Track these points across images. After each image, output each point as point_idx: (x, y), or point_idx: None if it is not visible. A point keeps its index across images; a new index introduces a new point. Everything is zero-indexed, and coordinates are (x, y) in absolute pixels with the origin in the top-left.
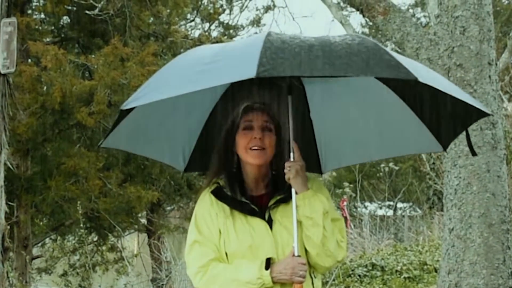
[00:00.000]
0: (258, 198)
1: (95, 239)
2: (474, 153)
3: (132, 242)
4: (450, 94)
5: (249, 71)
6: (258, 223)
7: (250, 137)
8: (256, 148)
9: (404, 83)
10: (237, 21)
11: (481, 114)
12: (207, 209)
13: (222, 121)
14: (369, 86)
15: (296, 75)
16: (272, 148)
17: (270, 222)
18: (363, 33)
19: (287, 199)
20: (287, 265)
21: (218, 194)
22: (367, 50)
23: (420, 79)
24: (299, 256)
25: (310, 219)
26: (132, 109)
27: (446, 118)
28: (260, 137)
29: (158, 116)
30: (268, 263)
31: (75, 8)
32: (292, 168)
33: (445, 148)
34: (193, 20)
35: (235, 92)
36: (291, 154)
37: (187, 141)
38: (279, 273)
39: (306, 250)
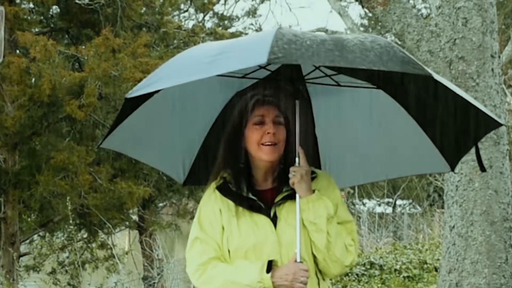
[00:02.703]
0: (265, 193)
1: (85, 236)
2: (483, 169)
3: (123, 239)
4: (465, 98)
5: (259, 58)
6: (262, 220)
7: (263, 132)
8: (269, 143)
9: (414, 97)
10: (232, 11)
11: (491, 126)
12: (211, 205)
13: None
14: (377, 101)
15: (309, 65)
16: (284, 142)
17: (275, 219)
18: (362, 24)
19: (294, 195)
20: (288, 271)
21: (224, 189)
22: (380, 47)
23: (434, 76)
24: (301, 262)
25: (313, 224)
26: (133, 109)
27: (456, 134)
28: (274, 132)
29: (160, 121)
30: (270, 266)
31: None
32: (297, 173)
33: (452, 168)
34: (186, 11)
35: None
36: (297, 159)
37: (188, 151)
38: (279, 278)
39: (312, 254)
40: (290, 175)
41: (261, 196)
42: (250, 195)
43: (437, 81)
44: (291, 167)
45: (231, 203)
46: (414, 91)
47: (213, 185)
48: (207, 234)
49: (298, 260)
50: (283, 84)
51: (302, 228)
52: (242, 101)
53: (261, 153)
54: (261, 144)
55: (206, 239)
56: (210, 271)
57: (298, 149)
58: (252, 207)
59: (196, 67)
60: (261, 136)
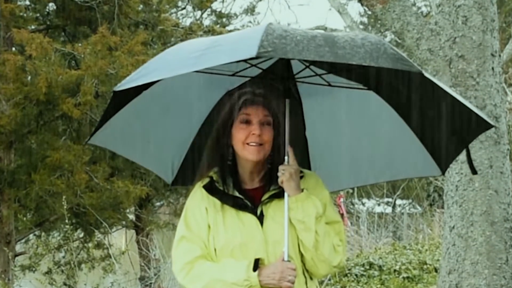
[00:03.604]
0: (252, 191)
1: (81, 235)
2: (474, 172)
3: (119, 239)
4: (454, 96)
5: (249, 51)
6: (248, 219)
7: (248, 132)
8: (254, 144)
9: (406, 99)
10: (230, 9)
11: (483, 127)
12: (197, 204)
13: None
14: (368, 103)
15: (299, 58)
16: (270, 142)
17: (262, 217)
18: (361, 22)
19: (281, 194)
20: (275, 269)
21: (210, 188)
22: (371, 44)
23: (425, 74)
24: (288, 261)
25: (302, 223)
26: (123, 105)
27: (447, 136)
28: (259, 133)
29: (149, 119)
30: (257, 264)
31: None
32: (286, 172)
33: (443, 171)
34: (184, 8)
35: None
36: (286, 158)
37: (178, 150)
38: (267, 277)
39: (300, 253)
40: (279, 174)
41: (248, 195)
42: (237, 194)
43: (427, 79)
44: (280, 166)
45: (217, 201)
46: (405, 93)
47: (199, 183)
48: (193, 233)
49: (286, 258)
50: (273, 82)
51: (290, 227)
52: (232, 99)
53: (246, 152)
54: (246, 144)
55: (192, 238)
56: (196, 270)
57: (287, 148)
58: (239, 206)
59: (185, 60)
60: (246, 135)
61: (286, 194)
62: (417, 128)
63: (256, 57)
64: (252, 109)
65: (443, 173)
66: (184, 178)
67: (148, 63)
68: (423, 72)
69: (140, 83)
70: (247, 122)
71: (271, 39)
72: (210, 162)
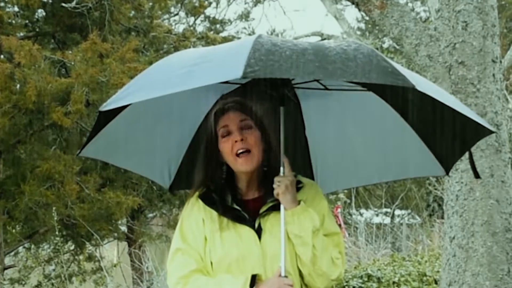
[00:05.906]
0: (250, 202)
1: (72, 247)
2: (477, 176)
3: (111, 251)
4: (452, 107)
5: (235, 72)
6: (246, 232)
7: (231, 142)
8: (241, 151)
9: (406, 99)
10: (224, 15)
11: (484, 132)
12: (194, 215)
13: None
14: (368, 103)
15: (286, 78)
16: (259, 146)
17: (259, 231)
18: (358, 28)
19: (279, 206)
20: (272, 285)
21: (207, 199)
22: (363, 56)
23: (418, 87)
24: (285, 276)
25: (298, 238)
26: (114, 116)
27: (449, 137)
28: (240, 138)
29: (142, 126)
30: (254, 280)
31: (50, 1)
32: (281, 184)
33: (447, 171)
34: (177, 14)
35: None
36: (281, 169)
37: (174, 155)
38: None
39: (298, 267)
40: (274, 186)
41: (246, 206)
42: (234, 205)
43: (422, 93)
44: (276, 177)
45: (214, 213)
46: (404, 94)
47: (196, 193)
48: (189, 245)
49: (283, 274)
50: (267, 89)
51: (287, 241)
52: (208, 118)
53: (238, 165)
54: (236, 156)
55: (188, 251)
56: (192, 285)
57: (283, 158)
58: (236, 218)
59: (172, 79)
60: (231, 146)
61: (282, 207)
62: (418, 127)
63: (243, 78)
64: (227, 119)
65: (447, 173)
66: (182, 183)
67: (134, 80)
68: (417, 86)
69: (125, 103)
70: (228, 133)
71: (259, 56)
72: (201, 182)
